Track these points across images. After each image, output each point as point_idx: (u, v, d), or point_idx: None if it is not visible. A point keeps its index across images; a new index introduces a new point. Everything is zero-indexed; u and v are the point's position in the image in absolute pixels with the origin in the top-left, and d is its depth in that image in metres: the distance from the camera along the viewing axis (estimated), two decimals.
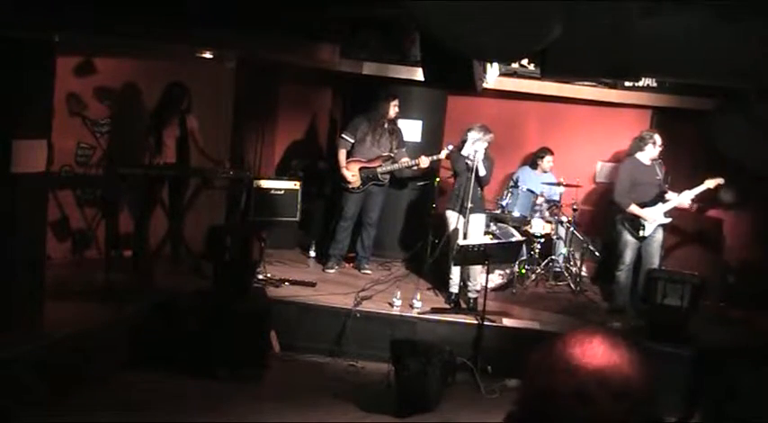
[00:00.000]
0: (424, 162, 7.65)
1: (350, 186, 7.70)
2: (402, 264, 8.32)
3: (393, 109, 7.67)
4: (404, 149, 7.80)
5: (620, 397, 1.38)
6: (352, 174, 7.67)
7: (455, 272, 7.02)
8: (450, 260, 6.99)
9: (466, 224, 6.86)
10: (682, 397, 5.60)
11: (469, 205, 6.84)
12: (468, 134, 6.94)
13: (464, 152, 6.92)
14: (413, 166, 7.72)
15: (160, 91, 7.10)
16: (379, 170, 7.70)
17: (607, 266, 8.05)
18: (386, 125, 7.71)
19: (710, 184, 7.02)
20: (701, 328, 6.60)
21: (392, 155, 7.73)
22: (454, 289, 7.06)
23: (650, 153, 7.18)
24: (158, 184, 7.13)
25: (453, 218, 7.03)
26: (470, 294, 7.07)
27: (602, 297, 7.92)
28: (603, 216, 8.92)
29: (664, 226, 7.21)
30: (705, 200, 7.56)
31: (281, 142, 9.23)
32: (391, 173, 7.81)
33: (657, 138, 7.19)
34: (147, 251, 7.25)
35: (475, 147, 6.85)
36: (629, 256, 7.23)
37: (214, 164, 7.29)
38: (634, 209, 7.12)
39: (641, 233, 7.14)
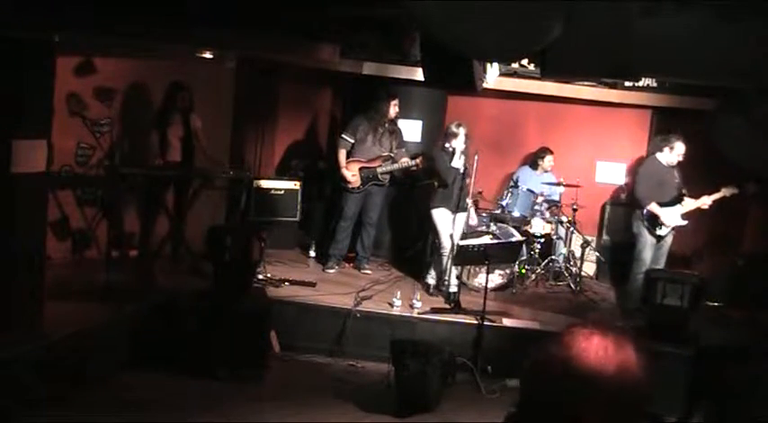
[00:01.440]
0: (422, 163, 7.65)
1: (350, 186, 7.70)
2: (402, 264, 8.31)
3: (393, 109, 7.67)
4: (403, 150, 7.79)
5: (620, 396, 1.37)
6: (352, 174, 7.66)
7: (452, 271, 7.04)
8: (445, 260, 7.00)
9: (465, 222, 6.88)
10: (682, 397, 5.60)
11: (470, 204, 6.87)
12: (455, 131, 7.00)
13: (457, 150, 6.94)
14: (412, 166, 7.71)
15: (161, 91, 7.12)
16: (379, 170, 7.70)
17: (610, 266, 8.06)
18: (386, 125, 7.71)
19: (727, 192, 7.06)
20: (701, 328, 6.60)
21: (392, 155, 7.73)
22: (453, 288, 7.07)
23: (670, 157, 7.19)
24: (161, 184, 7.14)
25: (444, 216, 7.03)
26: (451, 290, 7.09)
27: (602, 297, 7.92)
28: (603, 216, 8.93)
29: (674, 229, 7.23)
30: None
31: (281, 142, 9.23)
32: (391, 173, 7.81)
33: (679, 144, 7.19)
34: (149, 251, 7.27)
35: (462, 143, 6.93)
36: (648, 256, 7.24)
37: (214, 164, 7.29)
38: (654, 208, 7.15)
39: (658, 232, 7.19)
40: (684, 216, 7.20)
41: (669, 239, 7.28)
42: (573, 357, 1.39)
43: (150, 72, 7.42)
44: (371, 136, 7.68)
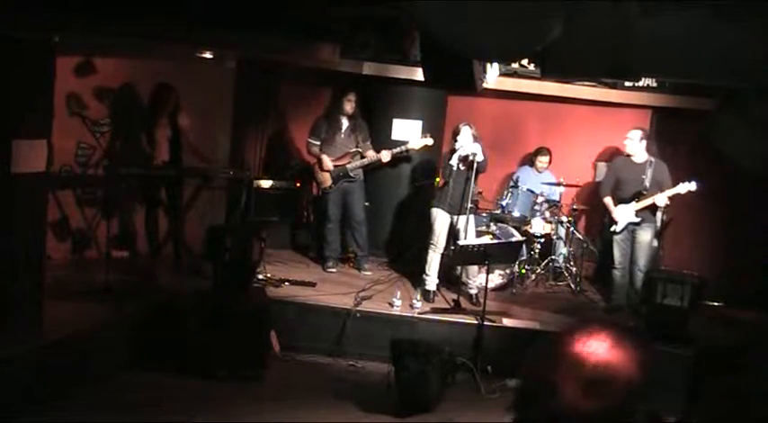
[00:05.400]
0: (385, 156, 7.67)
1: (322, 187, 7.72)
2: (402, 264, 8.31)
3: (348, 104, 7.66)
4: (369, 143, 7.80)
5: (619, 391, 1.38)
6: (322, 174, 7.67)
7: (433, 269, 7.07)
8: (431, 255, 7.04)
9: (466, 224, 6.87)
10: (682, 397, 5.60)
11: (469, 205, 6.85)
12: (459, 128, 6.95)
13: (461, 152, 6.89)
14: (377, 160, 7.72)
15: (150, 90, 7.12)
16: (348, 167, 7.71)
17: (606, 266, 8.04)
18: (346, 121, 7.72)
19: (681, 189, 6.91)
20: (701, 328, 6.60)
21: (359, 150, 7.74)
22: (430, 286, 7.10)
23: (630, 150, 7.20)
24: (160, 183, 7.14)
25: (441, 217, 7.02)
26: (471, 291, 7.08)
27: (602, 297, 7.91)
28: (602, 216, 8.93)
29: (652, 226, 7.18)
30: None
31: (281, 142, 9.22)
32: (361, 168, 7.80)
33: (632, 133, 7.21)
34: (149, 250, 7.27)
35: (472, 144, 6.85)
36: (617, 253, 7.28)
37: (206, 162, 7.26)
38: (607, 201, 7.28)
39: (612, 228, 7.25)
40: (639, 213, 7.11)
41: (644, 238, 7.17)
42: (564, 354, 1.40)
43: (149, 72, 7.42)
44: (334, 134, 7.71)
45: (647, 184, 7.08)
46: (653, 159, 7.19)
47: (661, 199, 7.03)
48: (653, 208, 7.18)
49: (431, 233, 7.11)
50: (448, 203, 6.93)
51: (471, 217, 6.96)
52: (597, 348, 1.40)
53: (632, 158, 7.24)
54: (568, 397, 1.37)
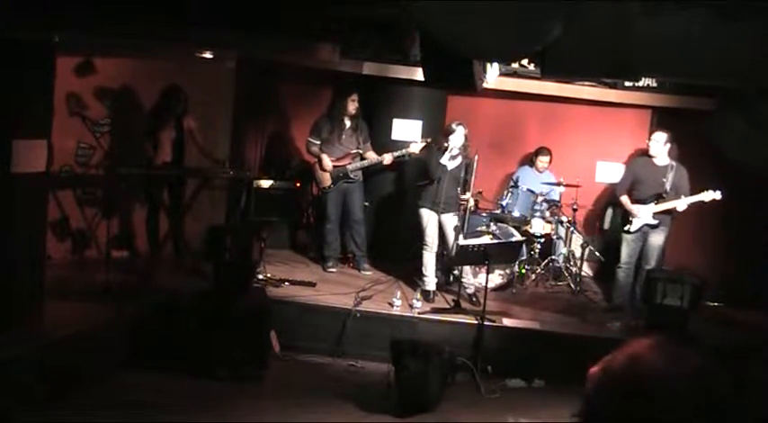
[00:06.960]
0: (387, 159, 7.66)
1: (321, 187, 7.72)
2: (402, 264, 8.30)
3: (352, 105, 7.66)
4: (369, 144, 7.80)
5: (688, 403, 1.38)
6: (321, 174, 7.68)
7: (430, 269, 7.07)
8: (427, 256, 7.03)
9: (465, 223, 6.87)
10: None
11: (471, 204, 6.86)
12: (453, 128, 6.95)
13: (454, 152, 6.89)
14: (378, 162, 7.72)
15: (160, 91, 7.11)
16: (349, 167, 7.71)
17: (607, 266, 8.04)
18: (348, 122, 7.72)
19: (706, 197, 6.86)
20: (701, 328, 6.60)
21: (360, 151, 7.74)
22: (429, 286, 7.09)
23: (653, 151, 7.15)
24: (161, 183, 7.15)
25: (427, 215, 7.01)
26: (468, 290, 7.08)
27: (603, 297, 7.92)
28: (603, 216, 8.93)
29: (665, 230, 7.16)
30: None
31: (281, 142, 9.23)
32: (362, 169, 7.81)
33: (658, 135, 7.17)
34: (149, 250, 7.27)
35: (458, 141, 6.86)
36: (625, 253, 7.23)
37: (214, 163, 7.29)
38: (624, 199, 7.22)
39: (627, 227, 7.19)
40: (657, 216, 7.06)
41: (656, 240, 7.13)
42: (638, 368, 1.39)
43: (150, 72, 7.42)
44: (336, 134, 7.69)
45: (668, 187, 7.02)
46: (674, 164, 7.10)
47: (682, 205, 6.97)
48: (669, 211, 7.13)
49: (423, 234, 7.11)
50: (436, 202, 6.90)
51: (451, 215, 6.94)
52: (670, 361, 1.40)
53: (653, 160, 7.16)
54: (648, 412, 1.37)
